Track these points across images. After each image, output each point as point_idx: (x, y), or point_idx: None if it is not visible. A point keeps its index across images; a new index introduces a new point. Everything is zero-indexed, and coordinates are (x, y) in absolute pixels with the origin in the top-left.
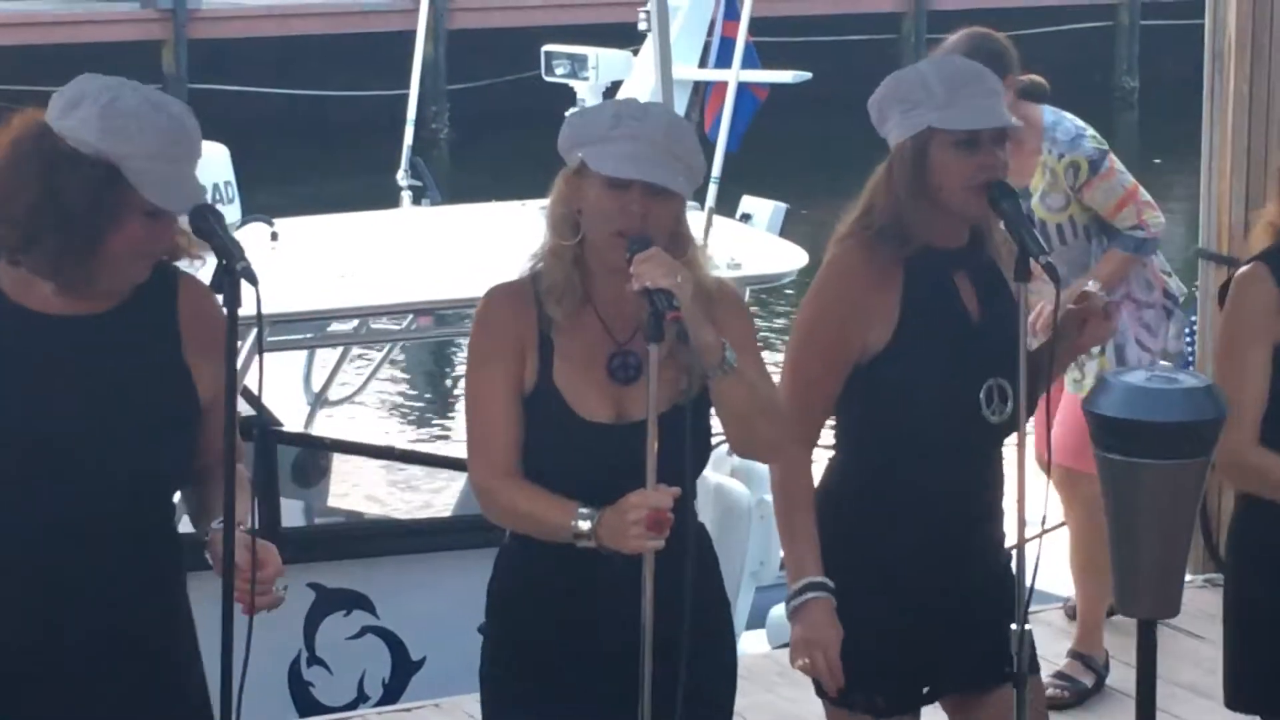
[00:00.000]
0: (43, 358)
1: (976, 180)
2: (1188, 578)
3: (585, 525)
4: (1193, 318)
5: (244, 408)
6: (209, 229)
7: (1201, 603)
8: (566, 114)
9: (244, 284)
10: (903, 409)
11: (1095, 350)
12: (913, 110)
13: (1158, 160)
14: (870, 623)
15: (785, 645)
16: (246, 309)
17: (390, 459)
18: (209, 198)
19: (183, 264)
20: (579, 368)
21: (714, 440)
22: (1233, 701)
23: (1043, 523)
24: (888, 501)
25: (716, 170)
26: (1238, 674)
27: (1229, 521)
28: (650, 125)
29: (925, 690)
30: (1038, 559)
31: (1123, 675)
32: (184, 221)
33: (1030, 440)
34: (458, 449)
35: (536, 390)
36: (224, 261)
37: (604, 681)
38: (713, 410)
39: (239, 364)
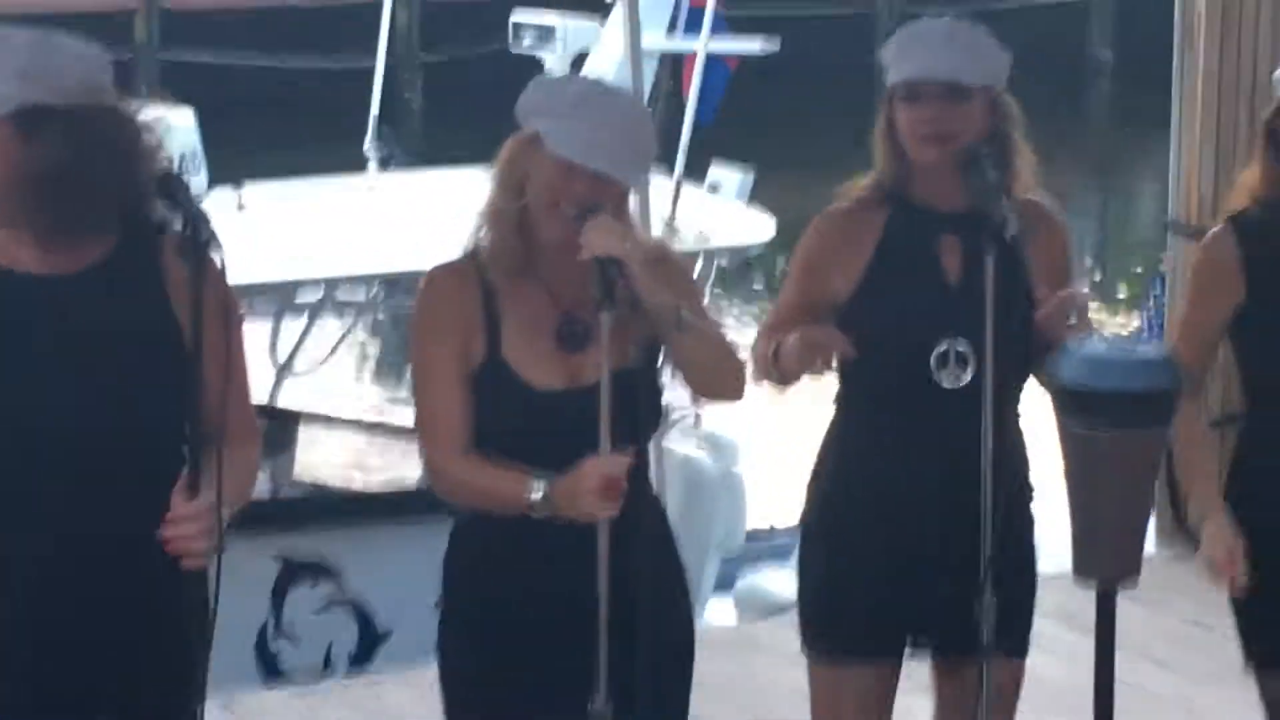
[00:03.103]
0: (26, 318)
1: (920, 132)
2: (1153, 550)
3: (538, 495)
4: (1160, 290)
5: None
6: (174, 194)
7: (1166, 574)
8: (526, 93)
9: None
10: (860, 361)
11: None
12: (887, 69)
13: (1130, 130)
14: (851, 568)
15: (755, 615)
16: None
17: (356, 429)
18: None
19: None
20: (527, 338)
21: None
22: (1248, 656)
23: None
24: (863, 454)
25: (685, 139)
26: (1242, 628)
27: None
28: (614, 113)
29: (906, 641)
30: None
31: (1084, 647)
32: None
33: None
34: None
35: (486, 364)
36: (188, 230)
37: (561, 654)
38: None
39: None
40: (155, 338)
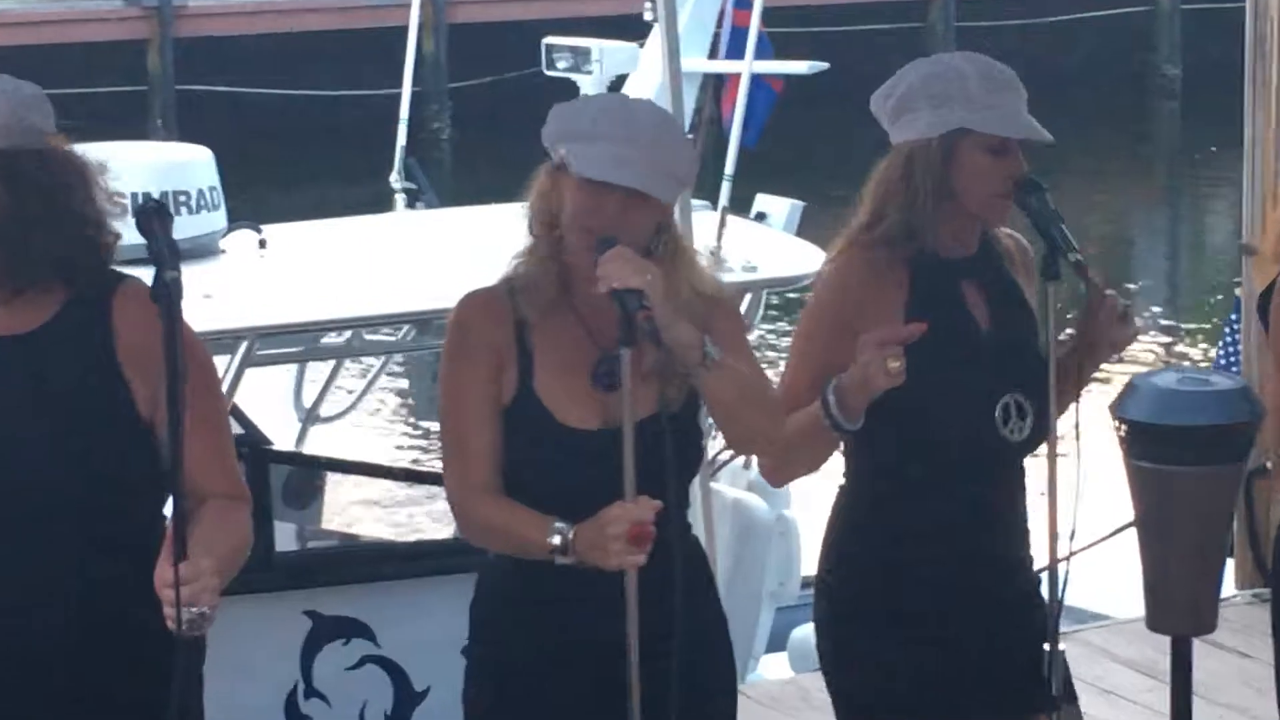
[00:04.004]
0: None
1: (1002, 189)
2: (1234, 593)
3: (558, 540)
4: (1234, 316)
5: (234, 427)
6: (149, 229)
7: (1250, 619)
8: (552, 113)
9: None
10: (913, 428)
11: None
12: (942, 106)
13: (1198, 156)
14: (887, 658)
15: (811, 669)
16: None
17: (388, 478)
18: (193, 203)
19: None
20: (561, 374)
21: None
22: None
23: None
24: (899, 529)
25: (730, 168)
26: None
27: (1275, 532)
28: (636, 126)
29: (945, 712)
30: (1065, 576)
31: (1162, 695)
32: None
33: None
34: None
35: (516, 399)
36: (157, 268)
37: (591, 708)
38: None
39: (227, 380)
40: (105, 403)
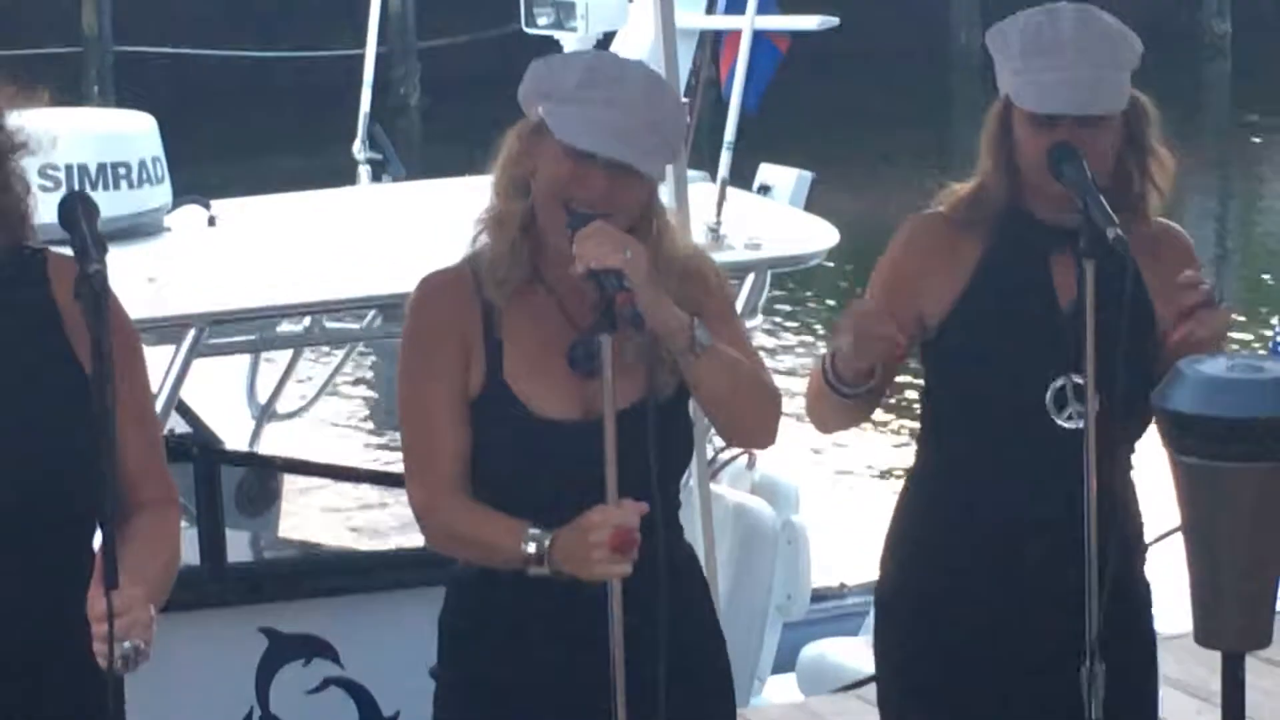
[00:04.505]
0: None
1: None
2: None
3: (533, 548)
4: None
5: (179, 424)
6: (72, 220)
7: None
8: (529, 72)
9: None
10: (954, 393)
11: None
12: (999, 67)
13: (1253, 117)
14: (914, 653)
15: (822, 690)
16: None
17: (352, 480)
18: (134, 176)
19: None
20: (533, 360)
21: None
22: None
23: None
24: (949, 503)
25: (730, 135)
26: None
27: None
28: (628, 89)
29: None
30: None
31: (1213, 718)
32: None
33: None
34: None
35: (485, 390)
36: (80, 263)
37: (577, 709)
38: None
39: (173, 373)
40: (56, 386)
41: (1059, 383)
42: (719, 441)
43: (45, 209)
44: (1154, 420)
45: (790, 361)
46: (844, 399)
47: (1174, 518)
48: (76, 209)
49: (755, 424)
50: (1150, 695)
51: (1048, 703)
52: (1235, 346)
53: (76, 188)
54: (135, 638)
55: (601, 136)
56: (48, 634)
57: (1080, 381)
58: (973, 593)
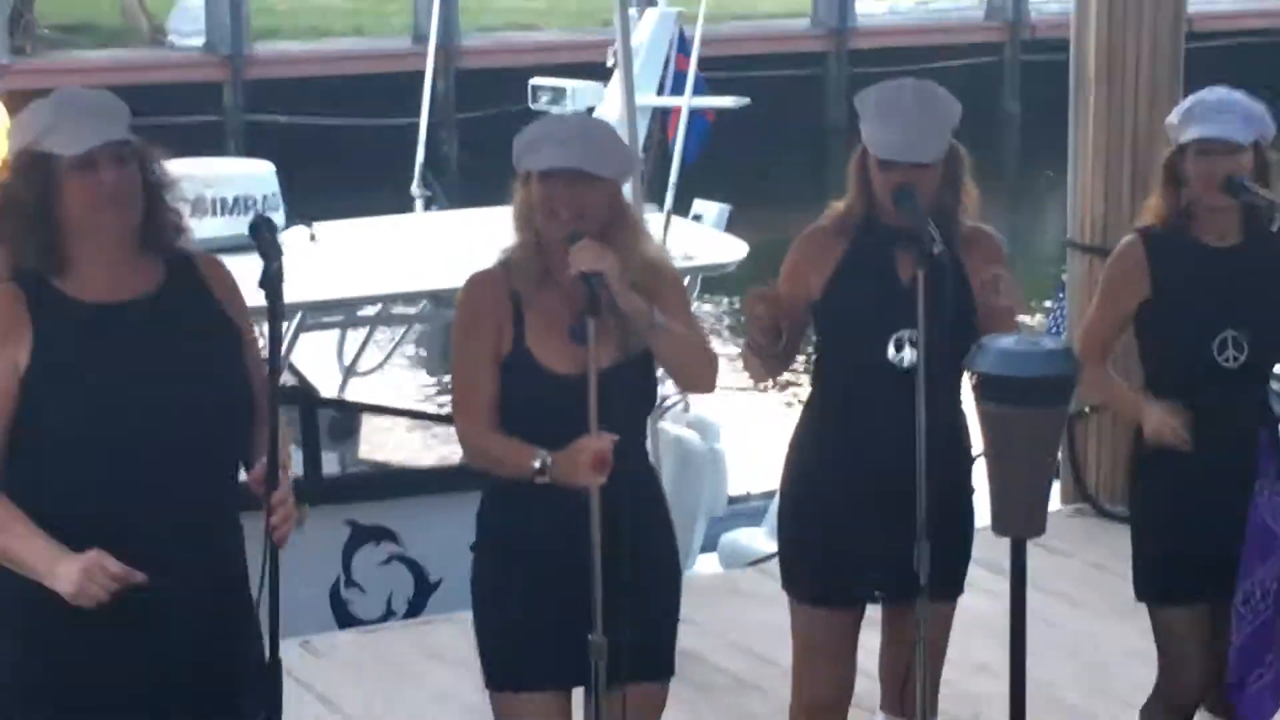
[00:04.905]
0: (106, 341)
1: (893, 184)
2: (1059, 506)
3: (539, 464)
4: (1060, 295)
5: (289, 379)
6: (261, 234)
7: (1068, 527)
8: (517, 138)
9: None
10: (831, 344)
11: None
12: (861, 123)
13: (1034, 175)
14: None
15: (736, 566)
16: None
17: (409, 417)
18: (259, 208)
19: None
20: (546, 334)
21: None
22: (1139, 594)
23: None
24: (830, 431)
25: (674, 178)
26: (1138, 567)
27: (1131, 458)
28: (566, 126)
29: (869, 592)
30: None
31: (1004, 587)
32: (229, 223)
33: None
34: None
35: (513, 354)
36: (265, 260)
37: (567, 591)
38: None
39: (286, 343)
40: (220, 345)
41: (899, 333)
42: (663, 390)
43: (200, 228)
44: (966, 375)
45: (716, 334)
46: (763, 359)
47: (978, 447)
48: (262, 225)
49: (698, 378)
50: (963, 567)
51: (891, 565)
52: (1023, 330)
53: (221, 215)
54: (288, 521)
55: (551, 157)
56: (224, 518)
57: (913, 336)
58: (843, 489)
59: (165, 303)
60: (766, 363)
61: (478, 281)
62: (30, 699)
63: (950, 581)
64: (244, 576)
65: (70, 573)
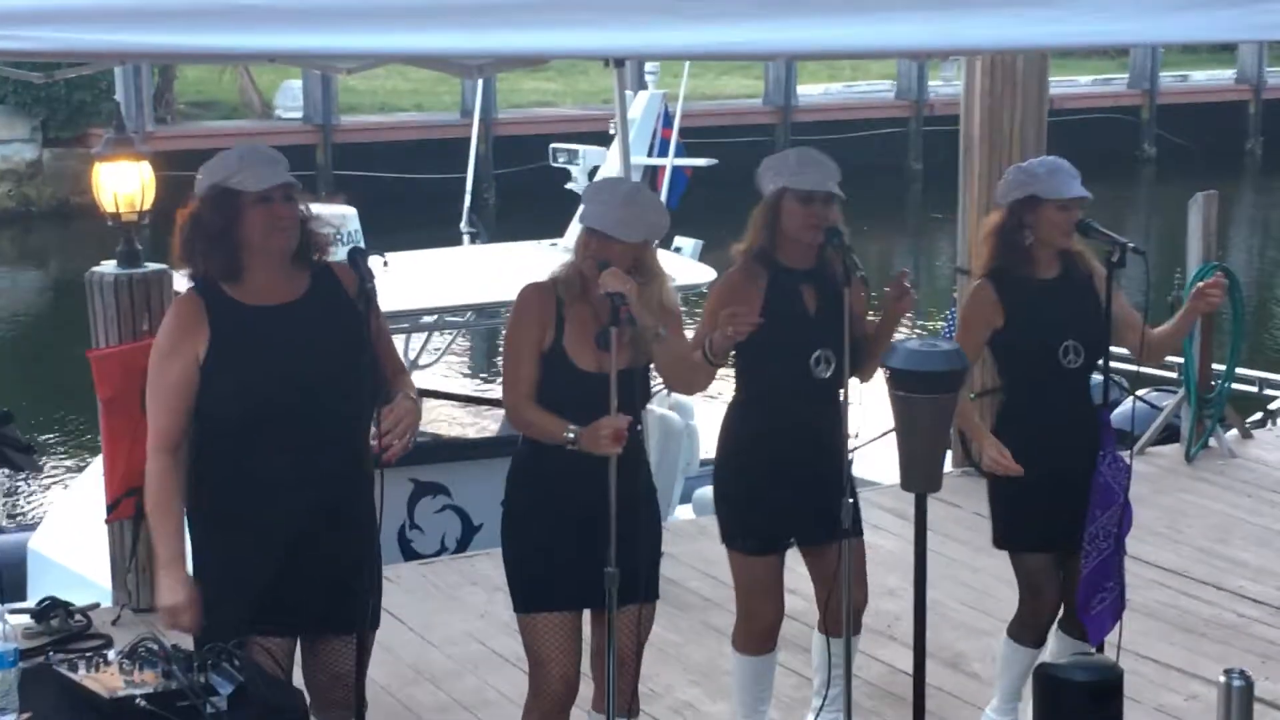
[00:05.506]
0: (265, 336)
1: (810, 224)
2: (951, 469)
3: (570, 435)
4: (952, 309)
5: None
6: (355, 260)
7: (958, 485)
8: (585, 190)
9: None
10: (759, 365)
11: None
12: (776, 176)
13: (937, 215)
14: (750, 494)
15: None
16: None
17: (457, 400)
18: (345, 238)
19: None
20: (578, 337)
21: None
22: (999, 543)
23: (855, 436)
24: (757, 424)
25: None
26: (997, 524)
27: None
28: (617, 195)
29: (788, 539)
30: (852, 459)
31: (909, 531)
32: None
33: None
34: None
35: (551, 349)
36: (363, 281)
37: (583, 535)
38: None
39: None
40: (351, 334)
41: (818, 352)
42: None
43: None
44: (881, 370)
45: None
46: (712, 366)
47: (889, 424)
48: (358, 254)
49: (688, 383)
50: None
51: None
52: (924, 334)
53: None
54: (407, 430)
55: (591, 217)
56: (361, 475)
57: (827, 354)
58: (764, 463)
59: (310, 303)
60: (709, 371)
61: (533, 288)
62: (218, 606)
63: (856, 525)
64: (371, 524)
65: None
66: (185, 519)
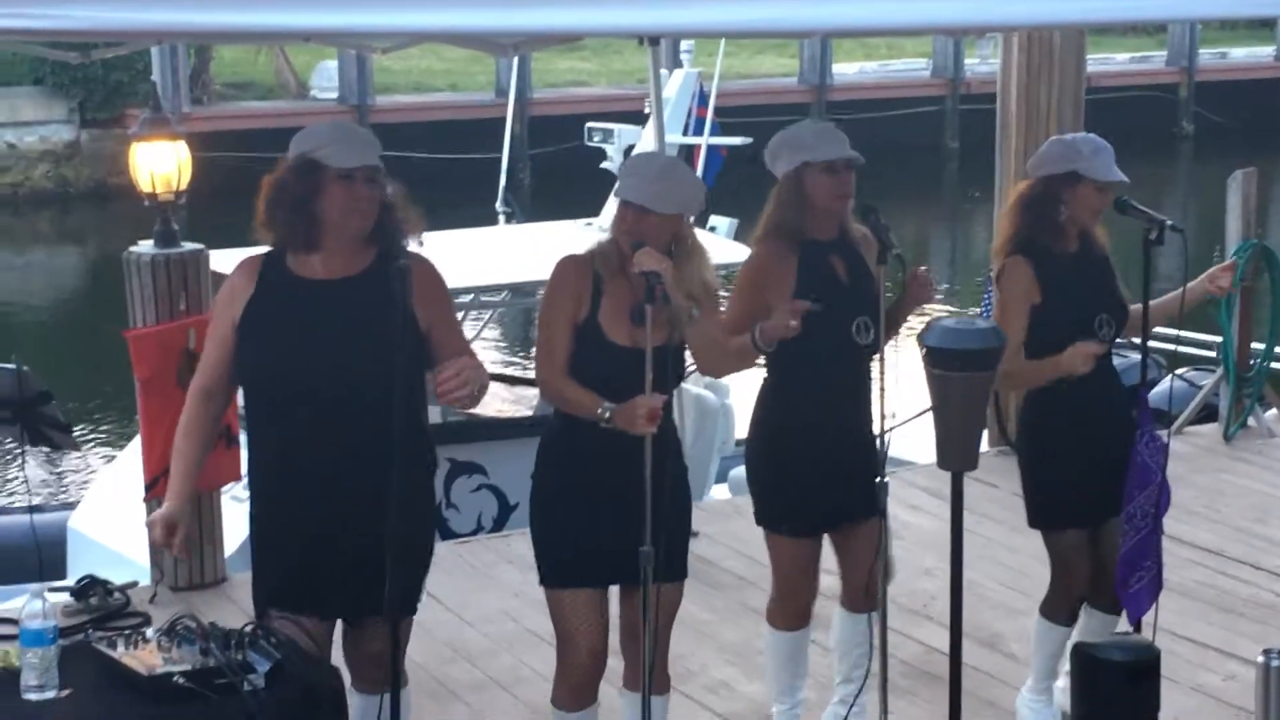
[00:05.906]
0: (302, 313)
1: (839, 192)
2: (987, 448)
3: (605, 412)
4: (990, 288)
5: None
6: (390, 239)
7: (995, 464)
8: (621, 165)
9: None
10: (802, 340)
11: None
12: (792, 153)
13: (969, 195)
14: (788, 479)
15: (740, 494)
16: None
17: (493, 380)
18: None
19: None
20: (613, 312)
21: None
22: (1033, 521)
23: (893, 416)
24: (796, 396)
25: None
26: (1031, 503)
27: (1019, 408)
28: (653, 168)
29: (825, 521)
30: (888, 437)
31: (946, 510)
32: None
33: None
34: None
35: (586, 323)
36: (394, 258)
37: (614, 515)
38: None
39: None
40: (408, 315)
41: (860, 319)
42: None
43: None
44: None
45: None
46: (757, 353)
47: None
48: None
49: (715, 367)
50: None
51: (851, 497)
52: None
53: None
54: (468, 382)
55: (626, 190)
56: (398, 438)
57: (867, 321)
58: (803, 440)
59: (364, 281)
60: (752, 357)
61: (570, 260)
62: (261, 586)
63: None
64: (422, 508)
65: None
66: (197, 464)
